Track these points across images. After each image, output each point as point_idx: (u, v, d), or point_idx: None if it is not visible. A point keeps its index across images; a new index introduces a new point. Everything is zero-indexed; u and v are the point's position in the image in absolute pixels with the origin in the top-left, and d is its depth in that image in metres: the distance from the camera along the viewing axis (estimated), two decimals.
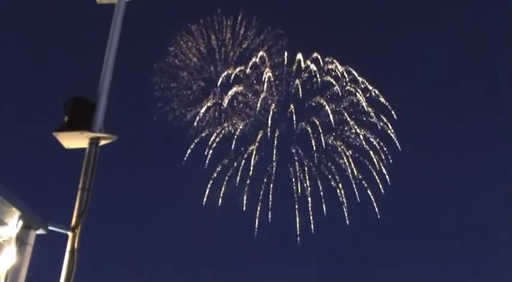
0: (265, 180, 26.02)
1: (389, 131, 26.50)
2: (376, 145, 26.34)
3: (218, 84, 26.38)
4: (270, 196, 26.03)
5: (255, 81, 26.64)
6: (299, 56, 27.35)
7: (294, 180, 26.27)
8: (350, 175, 26.32)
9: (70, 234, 4.67)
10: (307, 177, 26.34)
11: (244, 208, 25.58)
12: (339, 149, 26.17)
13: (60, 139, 4.97)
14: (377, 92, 26.85)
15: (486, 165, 36.40)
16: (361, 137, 26.28)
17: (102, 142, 5.01)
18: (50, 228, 4.61)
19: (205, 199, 25.85)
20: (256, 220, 26.02)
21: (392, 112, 26.91)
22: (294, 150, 26.33)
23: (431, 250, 33.17)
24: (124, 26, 5.38)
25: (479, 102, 36.82)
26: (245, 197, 25.94)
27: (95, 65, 5.32)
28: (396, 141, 26.61)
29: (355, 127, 26.35)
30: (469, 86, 36.45)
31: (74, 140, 4.99)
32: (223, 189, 26.00)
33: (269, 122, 26.20)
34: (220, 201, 25.98)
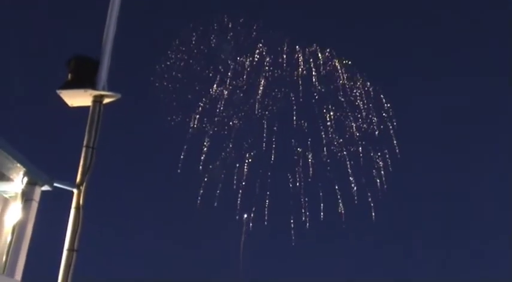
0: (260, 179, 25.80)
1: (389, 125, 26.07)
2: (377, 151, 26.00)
3: (216, 83, 26.07)
4: (267, 195, 25.89)
5: (254, 78, 26.29)
6: (299, 52, 26.81)
7: (290, 176, 26.01)
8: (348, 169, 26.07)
9: (75, 191, 4.72)
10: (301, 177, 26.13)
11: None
12: (338, 144, 25.82)
13: (64, 97, 4.95)
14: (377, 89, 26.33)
15: (487, 170, 35.31)
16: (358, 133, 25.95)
17: (106, 100, 4.96)
18: (55, 184, 4.67)
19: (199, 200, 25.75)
20: (251, 222, 25.96)
21: (391, 112, 26.40)
22: (293, 145, 25.99)
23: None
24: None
25: (479, 103, 35.77)
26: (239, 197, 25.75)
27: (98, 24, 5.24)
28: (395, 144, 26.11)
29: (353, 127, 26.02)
30: (470, 88, 35.41)
31: (77, 98, 4.96)
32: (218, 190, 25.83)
33: (265, 118, 25.89)
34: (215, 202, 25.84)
